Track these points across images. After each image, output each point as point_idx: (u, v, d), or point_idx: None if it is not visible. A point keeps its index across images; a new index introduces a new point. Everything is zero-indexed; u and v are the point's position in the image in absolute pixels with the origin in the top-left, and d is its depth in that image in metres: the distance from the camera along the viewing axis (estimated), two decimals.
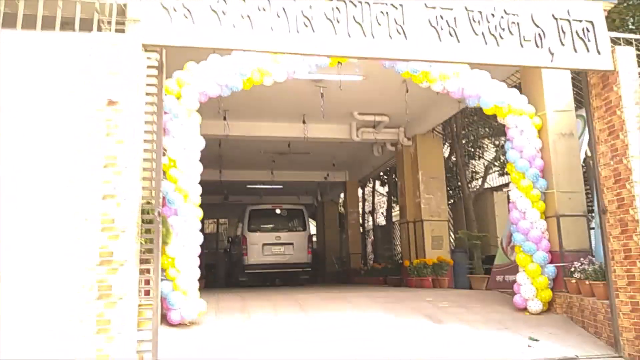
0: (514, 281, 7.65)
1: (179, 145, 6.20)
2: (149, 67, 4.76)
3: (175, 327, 5.93)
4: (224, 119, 11.02)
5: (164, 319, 5.97)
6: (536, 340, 5.53)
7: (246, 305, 7.21)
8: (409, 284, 11.49)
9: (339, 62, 8.02)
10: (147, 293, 4.90)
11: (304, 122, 11.38)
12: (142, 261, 4.69)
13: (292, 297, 7.93)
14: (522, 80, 7.70)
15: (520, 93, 7.19)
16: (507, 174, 14.34)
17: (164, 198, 6.10)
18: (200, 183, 16.82)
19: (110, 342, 3.87)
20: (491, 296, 8.21)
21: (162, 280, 5.95)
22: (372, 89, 9.98)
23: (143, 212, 4.73)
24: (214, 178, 16.12)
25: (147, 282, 4.88)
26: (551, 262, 6.84)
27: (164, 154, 6.16)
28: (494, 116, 14.24)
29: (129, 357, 3.95)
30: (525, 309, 6.95)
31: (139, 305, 4.56)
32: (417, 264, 10.66)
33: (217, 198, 20.32)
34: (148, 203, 4.91)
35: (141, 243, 4.68)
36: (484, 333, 5.91)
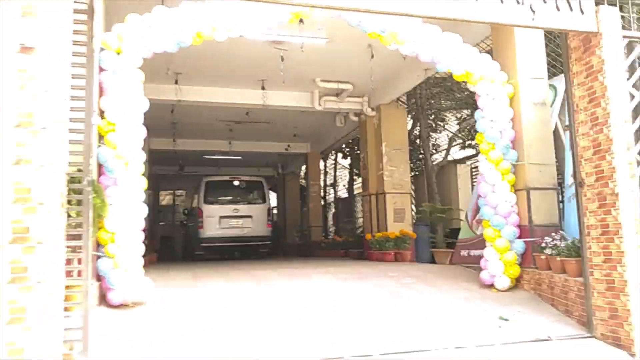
0: (480, 256, 7.40)
1: (118, 106, 5.50)
2: (77, 11, 4.04)
3: (116, 308, 5.34)
4: (176, 82, 10.26)
5: (104, 301, 5.38)
6: (506, 320, 5.23)
7: (197, 282, 6.67)
8: (370, 257, 11.18)
9: (300, 20, 7.44)
10: (80, 274, 4.30)
11: (263, 88, 10.73)
12: (72, 237, 4.08)
13: (249, 273, 7.44)
14: (494, 46, 7.28)
15: (492, 59, 6.78)
16: (470, 146, 14.36)
17: (101, 166, 5.45)
18: (153, 152, 16.02)
19: (26, 333, 3.27)
20: (456, 271, 7.94)
21: (100, 257, 5.35)
22: (336, 54, 9.41)
23: (72, 181, 4.09)
24: (167, 147, 15.32)
25: (80, 262, 4.28)
26: (520, 237, 6.56)
27: (102, 117, 5.49)
28: (458, 88, 14.20)
29: (50, 349, 3.37)
30: (492, 286, 6.68)
31: (69, 287, 3.97)
32: (380, 238, 10.32)
33: (173, 169, 19.49)
34: (79, 171, 4.26)
35: (70, 216, 4.06)
36: (452, 313, 5.58)
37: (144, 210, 5.70)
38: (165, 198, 30.71)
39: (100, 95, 5.52)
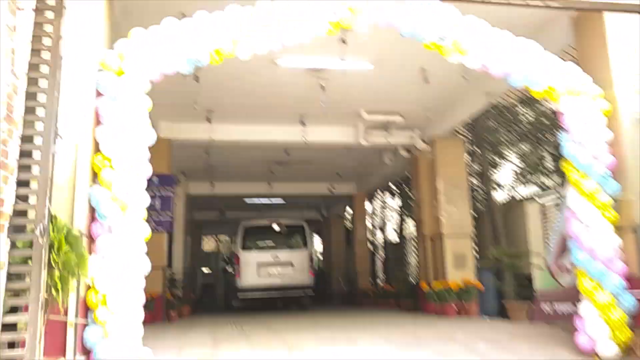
0: (569, 312, 5.91)
1: (117, 138, 4.50)
2: (38, 9, 3.08)
3: None
4: (208, 120, 9.38)
5: None
6: None
7: (216, 351, 5.44)
8: (426, 309, 9.69)
9: (342, 41, 6.40)
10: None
11: (302, 123, 9.68)
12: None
13: (281, 338, 6.14)
14: (579, 54, 5.91)
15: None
16: (534, 183, 12.79)
17: (93, 210, 4.42)
18: (192, 197, 15.25)
19: None
20: (541, 332, 6.41)
21: (88, 325, 4.24)
22: (383, 82, 8.31)
23: (16, 230, 3.04)
24: (206, 192, 14.51)
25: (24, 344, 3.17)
26: (629, 290, 5.06)
27: (97, 150, 4.50)
28: (520, 120, 12.79)
29: None
30: (593, 353, 5.15)
31: None
32: (439, 290, 8.84)
33: (214, 214, 18.69)
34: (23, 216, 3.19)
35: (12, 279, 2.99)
36: None
37: (146, 265, 4.61)
38: (208, 244, 30.10)
39: (97, 125, 4.57)
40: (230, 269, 15.44)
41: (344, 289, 17.52)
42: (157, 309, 9.27)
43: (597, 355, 5.12)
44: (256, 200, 16.70)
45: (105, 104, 4.56)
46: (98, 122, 4.57)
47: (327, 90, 8.23)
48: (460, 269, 9.59)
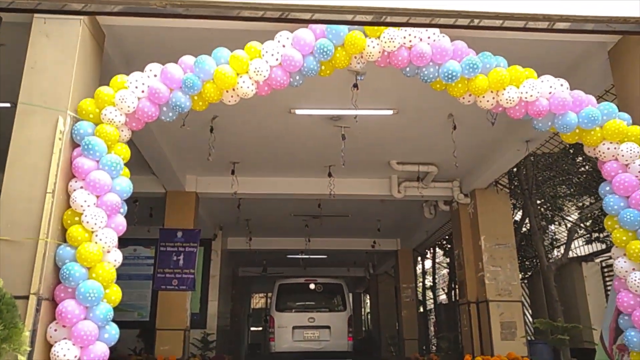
0: None
1: (89, 191, 4.15)
2: None
3: None
4: (232, 173, 9.08)
5: None
6: None
7: None
8: None
9: (354, 85, 5.95)
10: None
11: (329, 175, 9.17)
12: None
13: None
14: (619, 96, 5.13)
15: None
16: (598, 240, 11.48)
17: (57, 270, 4.02)
18: (232, 253, 14.97)
19: None
20: None
21: None
22: (408, 130, 7.75)
23: None
24: (243, 247, 14.16)
25: None
26: None
27: (69, 205, 4.16)
28: (576, 171, 11.67)
29: None
30: None
31: None
32: None
33: (258, 270, 18.26)
34: None
35: None
36: None
37: (113, 335, 4.11)
38: (259, 301, 29.57)
39: (71, 177, 4.26)
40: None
41: (393, 355, 16.34)
42: None
43: None
44: (297, 256, 16.14)
45: (80, 155, 4.26)
46: (72, 174, 4.27)
47: (352, 140, 7.74)
48: (508, 339, 8.49)
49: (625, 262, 4.37)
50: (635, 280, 4.25)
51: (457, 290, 13.56)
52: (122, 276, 4.34)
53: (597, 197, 10.35)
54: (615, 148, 4.44)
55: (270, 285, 13.62)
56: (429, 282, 17.75)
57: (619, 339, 5.60)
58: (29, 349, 3.49)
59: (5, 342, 3.02)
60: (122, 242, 4.30)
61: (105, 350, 3.99)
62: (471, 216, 9.51)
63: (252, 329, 25.19)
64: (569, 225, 11.23)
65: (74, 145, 4.32)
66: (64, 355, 3.75)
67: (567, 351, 7.03)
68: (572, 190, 11.67)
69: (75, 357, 3.79)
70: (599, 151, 4.52)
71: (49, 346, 3.84)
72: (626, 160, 4.38)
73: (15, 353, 3.19)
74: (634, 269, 4.32)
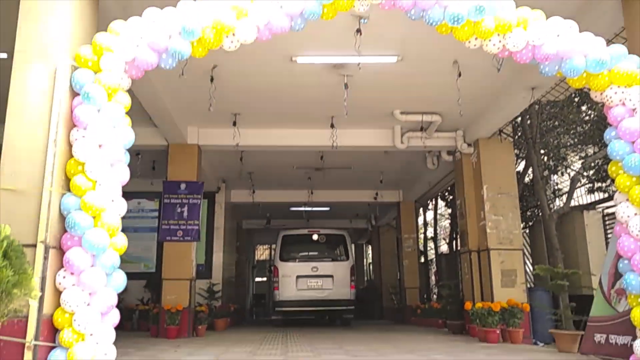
0: (626, 346, 5.01)
1: (91, 141, 4.13)
2: None
3: None
4: (234, 124, 9.02)
5: None
6: None
7: None
8: (471, 332, 8.82)
9: (357, 30, 5.81)
10: None
11: (332, 126, 9.11)
12: None
13: None
14: (629, 36, 5.00)
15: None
16: (600, 190, 11.50)
17: (63, 219, 4.06)
18: (236, 206, 15.10)
19: None
20: None
21: (55, 348, 3.87)
22: (414, 78, 7.62)
23: None
24: (247, 200, 14.24)
25: None
26: None
27: (70, 155, 4.15)
28: (581, 120, 11.55)
29: None
30: None
31: None
32: (479, 310, 7.93)
33: (262, 223, 18.43)
34: None
35: None
36: None
37: (120, 281, 4.19)
38: (263, 253, 29.99)
39: (72, 127, 4.23)
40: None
41: (394, 304, 16.71)
42: (183, 323, 8.94)
43: None
44: (301, 208, 16.25)
45: (80, 104, 4.21)
46: (72, 123, 4.23)
47: (355, 89, 7.66)
48: (508, 287, 8.63)
49: (627, 207, 4.37)
50: (636, 224, 4.27)
51: (458, 240, 13.74)
52: (128, 229, 4.38)
53: (600, 146, 10.31)
54: (622, 92, 4.37)
55: (274, 237, 13.78)
56: (430, 234, 17.95)
57: (617, 284, 5.71)
58: (39, 293, 3.57)
59: (16, 287, 3.08)
60: (126, 196, 4.31)
61: (113, 297, 4.08)
62: (474, 166, 9.49)
63: (257, 279, 25.72)
64: (571, 174, 11.22)
65: (74, 94, 4.27)
66: (74, 302, 3.83)
67: (566, 297, 7.16)
68: (576, 139, 11.61)
69: (85, 303, 3.87)
70: (606, 96, 4.45)
71: (58, 293, 3.92)
72: (633, 105, 4.32)
73: (26, 298, 3.26)
74: (635, 214, 4.33)
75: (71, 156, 4.16)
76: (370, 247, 23.32)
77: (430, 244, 17.81)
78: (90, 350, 3.80)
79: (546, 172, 11.57)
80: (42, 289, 3.75)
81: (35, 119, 4.14)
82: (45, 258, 3.84)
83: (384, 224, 18.29)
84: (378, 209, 16.38)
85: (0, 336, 3.49)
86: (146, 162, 10.75)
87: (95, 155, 4.11)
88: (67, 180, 4.14)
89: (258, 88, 7.94)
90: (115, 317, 4.10)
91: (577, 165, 11.86)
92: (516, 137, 9.82)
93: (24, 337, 3.68)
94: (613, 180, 4.62)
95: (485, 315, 7.69)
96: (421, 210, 16.96)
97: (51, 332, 3.88)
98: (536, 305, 8.18)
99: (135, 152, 9.77)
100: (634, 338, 4.41)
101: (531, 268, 10.68)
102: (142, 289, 12.37)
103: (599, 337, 5.83)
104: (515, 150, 10.43)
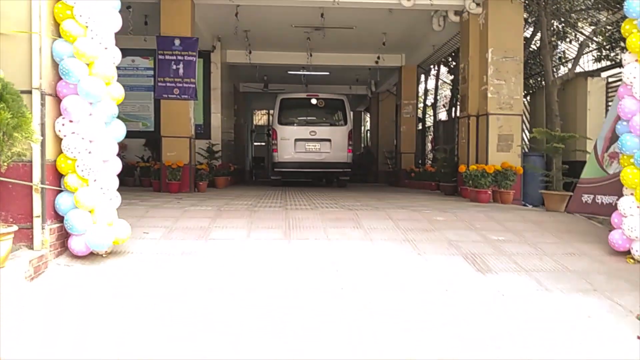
0: (611, 205, 5.23)
1: None
2: None
3: (80, 260, 4.03)
4: None
5: (67, 249, 4.09)
6: None
7: (211, 226, 5.18)
8: (463, 194, 9.13)
9: None
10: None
11: None
12: None
13: (288, 217, 5.80)
14: None
15: None
16: (608, 58, 11.20)
17: (57, 66, 3.95)
18: (232, 67, 14.81)
19: None
20: (573, 225, 5.72)
21: (62, 191, 4.00)
22: None
23: None
24: (243, 60, 13.87)
25: None
26: None
27: None
28: None
29: None
30: (627, 253, 4.51)
31: None
32: (473, 171, 8.13)
33: (260, 86, 18.15)
34: None
35: None
36: (553, 299, 3.58)
37: (121, 131, 4.21)
38: (262, 118, 30.02)
39: None
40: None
41: (389, 168, 17.13)
42: (184, 179, 9.21)
43: (631, 257, 4.46)
44: (299, 72, 15.91)
45: None
46: None
47: None
48: (504, 151, 8.75)
49: (635, 67, 4.27)
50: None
51: (457, 106, 13.67)
52: (124, 87, 4.28)
53: (614, 11, 9.80)
54: None
55: (272, 102, 13.64)
56: (429, 102, 17.82)
57: (612, 147, 5.80)
58: (40, 137, 3.59)
59: (16, 130, 3.08)
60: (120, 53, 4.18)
61: (114, 145, 4.12)
62: (481, 27, 9.10)
63: (255, 144, 26.07)
64: (580, 39, 10.82)
65: None
66: (75, 148, 3.87)
67: (560, 160, 7.28)
68: (589, 2, 11.00)
69: (86, 150, 3.92)
70: None
71: (59, 140, 3.95)
72: None
73: (27, 141, 3.28)
74: None
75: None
76: (368, 114, 23.29)
77: (429, 112, 17.77)
78: (94, 195, 3.93)
79: (554, 39, 11.15)
80: (43, 135, 3.77)
81: None
82: (42, 105, 3.81)
83: (384, 91, 18.07)
84: (379, 74, 16.04)
85: (8, 178, 3.57)
86: (138, 17, 10.26)
87: None
88: (57, 25, 3.97)
89: None
90: (117, 165, 4.19)
91: (588, 30, 11.38)
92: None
93: (30, 181, 3.78)
94: (622, 49, 4.45)
95: (479, 177, 7.91)
96: (422, 77, 16.65)
97: (56, 177, 3.99)
98: (529, 168, 8.37)
99: (125, 5, 9.28)
100: (620, 198, 4.57)
101: (528, 135, 10.77)
102: (141, 147, 12.54)
103: (587, 198, 6.06)
104: (525, 14, 9.93)
